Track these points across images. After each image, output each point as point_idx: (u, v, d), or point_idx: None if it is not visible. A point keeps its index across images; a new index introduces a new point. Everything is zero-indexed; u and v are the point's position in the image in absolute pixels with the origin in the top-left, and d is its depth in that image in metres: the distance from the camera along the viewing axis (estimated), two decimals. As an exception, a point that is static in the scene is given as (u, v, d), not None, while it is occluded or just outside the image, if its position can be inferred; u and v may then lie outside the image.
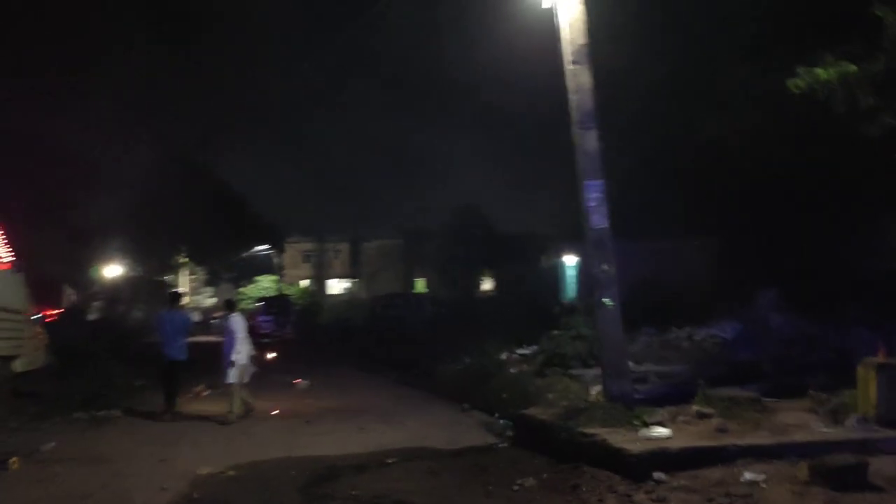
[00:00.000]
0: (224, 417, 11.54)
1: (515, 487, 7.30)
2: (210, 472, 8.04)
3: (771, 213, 17.47)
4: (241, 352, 11.87)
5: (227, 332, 12.18)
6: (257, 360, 13.20)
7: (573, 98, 9.23)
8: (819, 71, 9.32)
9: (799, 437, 7.52)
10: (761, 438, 7.39)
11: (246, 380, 12.06)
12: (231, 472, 8.04)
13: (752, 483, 6.56)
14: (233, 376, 11.71)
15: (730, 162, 18.19)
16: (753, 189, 17.96)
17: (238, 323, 12.17)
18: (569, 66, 9.28)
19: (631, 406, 8.46)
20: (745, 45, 14.78)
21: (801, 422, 8.08)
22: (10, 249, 16.52)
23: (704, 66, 17.94)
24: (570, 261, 25.49)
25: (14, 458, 8.18)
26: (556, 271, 26.81)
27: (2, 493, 7.17)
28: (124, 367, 15.65)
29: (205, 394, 14.70)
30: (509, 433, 9.85)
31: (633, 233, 19.42)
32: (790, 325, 12.62)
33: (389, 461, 8.71)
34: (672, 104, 19.86)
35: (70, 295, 36.30)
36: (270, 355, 18.63)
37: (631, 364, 11.37)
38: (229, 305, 13.17)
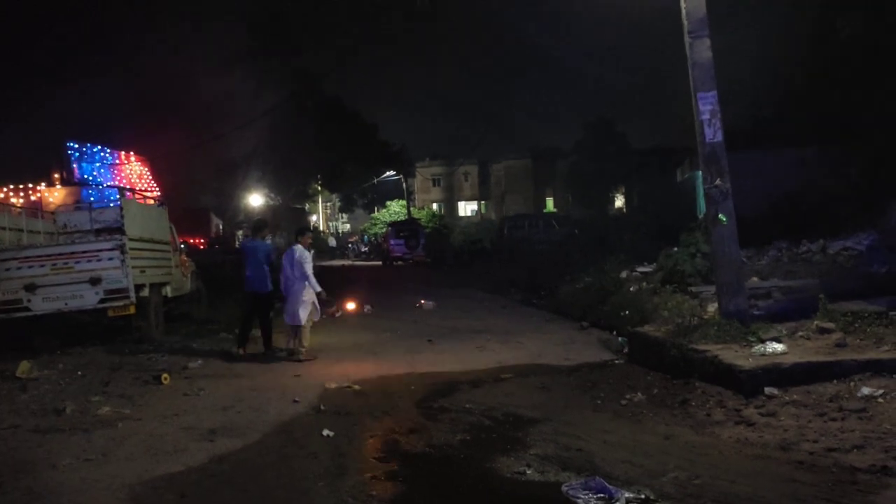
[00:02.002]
0: (296, 353, 10.64)
1: (623, 402, 7.44)
2: (337, 386, 8.60)
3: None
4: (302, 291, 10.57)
5: (285, 268, 10.78)
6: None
7: (684, 5, 8.85)
8: None
9: (925, 351, 7.15)
10: (882, 353, 7.06)
11: (316, 318, 11.02)
12: (356, 387, 8.55)
13: (869, 398, 6.36)
14: (301, 317, 10.52)
15: (874, 63, 16.81)
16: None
17: (296, 257, 10.64)
18: (679, -28, 8.88)
19: (747, 323, 8.31)
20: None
21: (929, 336, 7.66)
22: (156, 186, 17.88)
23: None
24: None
25: (166, 374, 9.08)
26: (691, 185, 25.93)
27: (155, 403, 8.01)
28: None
29: (337, 315, 15.53)
30: (625, 350, 9.93)
31: (775, 141, 18.46)
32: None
33: (504, 377, 9.04)
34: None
35: (217, 224, 38.74)
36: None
37: (756, 279, 11.10)
38: (299, 233, 11.29)
